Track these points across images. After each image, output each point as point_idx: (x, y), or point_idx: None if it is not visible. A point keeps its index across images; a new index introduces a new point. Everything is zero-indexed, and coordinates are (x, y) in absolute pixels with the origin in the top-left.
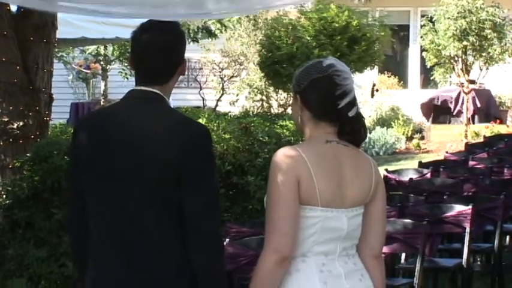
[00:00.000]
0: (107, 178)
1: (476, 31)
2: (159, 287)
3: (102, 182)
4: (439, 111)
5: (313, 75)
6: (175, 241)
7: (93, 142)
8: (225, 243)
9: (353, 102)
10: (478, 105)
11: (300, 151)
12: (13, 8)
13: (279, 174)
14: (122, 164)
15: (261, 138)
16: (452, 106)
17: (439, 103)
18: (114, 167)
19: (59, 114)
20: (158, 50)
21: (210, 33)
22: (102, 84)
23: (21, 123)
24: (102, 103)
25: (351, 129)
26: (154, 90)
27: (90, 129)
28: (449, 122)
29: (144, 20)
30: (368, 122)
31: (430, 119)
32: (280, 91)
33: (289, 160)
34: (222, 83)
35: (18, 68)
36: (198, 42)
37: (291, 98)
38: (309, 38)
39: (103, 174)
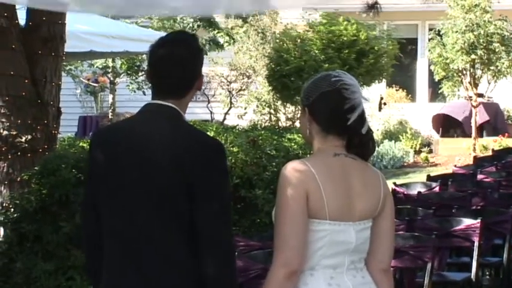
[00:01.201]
0: (119, 191)
1: (484, 44)
2: None
3: (115, 195)
4: (448, 125)
5: (322, 88)
6: (185, 252)
7: (106, 156)
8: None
9: (363, 117)
10: (486, 118)
11: (308, 165)
12: (21, 21)
13: (288, 189)
14: (133, 178)
15: (269, 152)
16: (461, 120)
17: (448, 116)
18: (126, 181)
19: (67, 128)
20: (174, 64)
21: (217, 45)
22: (110, 97)
23: (29, 137)
24: (110, 116)
25: (360, 142)
26: (170, 105)
27: (104, 144)
28: (458, 136)
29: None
30: (376, 135)
31: (440, 133)
32: (288, 104)
33: (298, 174)
34: (230, 96)
35: (26, 81)
36: (206, 54)
37: (299, 111)
38: (317, 51)
39: (115, 188)
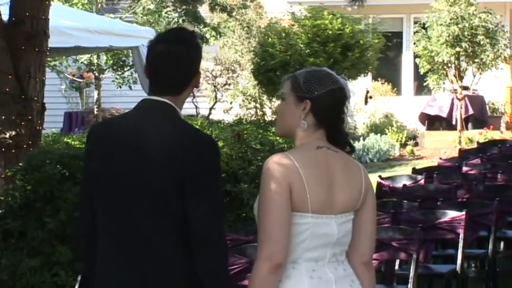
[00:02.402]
0: (113, 187)
1: (469, 37)
2: None
3: (109, 191)
4: (433, 118)
5: (328, 85)
6: (178, 249)
7: (100, 152)
8: None
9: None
10: (471, 111)
11: (292, 158)
12: (4, 17)
13: (271, 182)
14: (127, 174)
15: (254, 146)
16: (445, 113)
17: (433, 111)
18: (120, 177)
19: (53, 124)
20: (170, 61)
21: (203, 40)
22: (96, 93)
23: (13, 133)
24: (95, 112)
25: (340, 132)
26: (165, 101)
27: (99, 140)
28: (443, 129)
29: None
30: (362, 129)
31: (425, 126)
32: (274, 99)
33: (282, 168)
34: (216, 91)
35: (10, 77)
36: None
37: (284, 102)
38: (302, 46)
39: (109, 184)
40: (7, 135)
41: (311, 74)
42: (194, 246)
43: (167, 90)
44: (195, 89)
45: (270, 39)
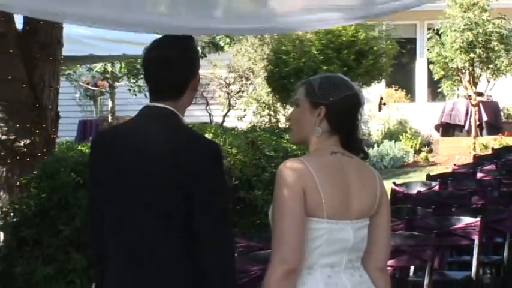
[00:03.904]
0: (119, 194)
1: (483, 43)
2: None
3: (114, 197)
4: (448, 125)
5: (343, 91)
6: (182, 252)
7: (105, 159)
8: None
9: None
10: (485, 118)
11: (306, 163)
12: (19, 25)
13: (285, 187)
14: (131, 180)
15: (267, 153)
16: (460, 119)
17: (448, 118)
18: (125, 183)
19: (67, 132)
20: (163, 66)
21: (217, 48)
22: (110, 101)
23: (27, 141)
24: (109, 120)
25: (354, 138)
26: (167, 106)
27: (103, 147)
28: (459, 135)
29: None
30: (376, 135)
31: (440, 132)
32: (288, 106)
33: (295, 173)
34: (229, 98)
35: (24, 85)
36: (206, 56)
37: (298, 109)
38: (315, 52)
39: (115, 190)
40: (21, 144)
41: (326, 80)
42: (200, 249)
43: (165, 96)
44: (208, 97)
45: (283, 46)
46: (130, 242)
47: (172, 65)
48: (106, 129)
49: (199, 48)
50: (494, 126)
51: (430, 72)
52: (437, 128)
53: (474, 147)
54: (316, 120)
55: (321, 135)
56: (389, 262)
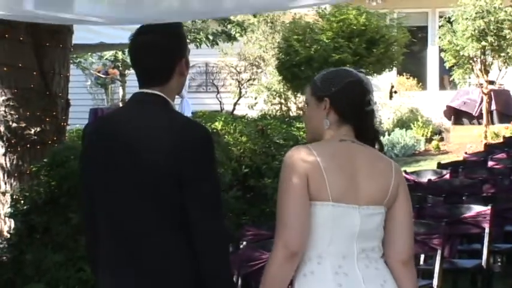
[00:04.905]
0: (112, 184)
1: (494, 31)
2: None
3: (108, 188)
4: (459, 112)
5: (346, 79)
6: (181, 244)
7: (97, 149)
8: (242, 246)
9: (375, 107)
10: (496, 106)
11: (311, 148)
12: None
13: (288, 172)
14: (125, 169)
15: (277, 141)
16: (474, 107)
17: (459, 105)
18: (118, 173)
19: (78, 120)
20: (147, 51)
21: (230, 37)
22: (121, 89)
23: (38, 129)
24: None
25: (367, 127)
26: (156, 92)
27: (94, 136)
28: (470, 123)
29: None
30: (387, 124)
31: (452, 120)
32: (299, 94)
33: (299, 158)
34: (240, 86)
35: (34, 73)
36: (217, 45)
37: (308, 106)
38: (327, 41)
39: (108, 181)
40: (32, 131)
41: (327, 73)
42: (194, 239)
43: (152, 81)
44: (219, 85)
45: (294, 34)
46: (128, 237)
47: (157, 50)
48: (96, 120)
49: (210, 37)
50: (505, 114)
51: (441, 61)
52: (447, 113)
53: (485, 135)
54: (324, 113)
55: (331, 127)
56: None
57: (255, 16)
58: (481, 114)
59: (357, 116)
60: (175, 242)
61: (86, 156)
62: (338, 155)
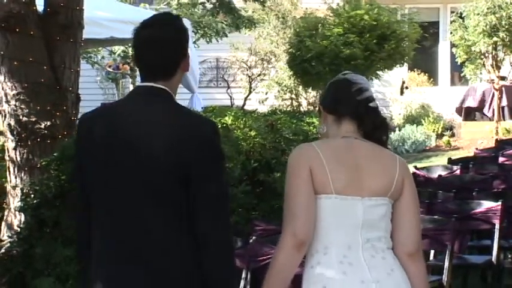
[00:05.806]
0: (113, 179)
1: (506, 27)
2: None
3: (108, 184)
4: (470, 108)
5: (331, 81)
6: (182, 240)
7: (94, 141)
8: (251, 241)
9: (371, 97)
10: (507, 102)
11: (313, 145)
12: (39, 8)
13: (293, 167)
14: (122, 165)
15: (287, 136)
16: (485, 103)
17: (470, 102)
18: (119, 168)
19: None
20: (152, 46)
21: (237, 27)
22: (131, 84)
23: (48, 123)
24: None
25: (372, 123)
26: (160, 86)
27: (92, 128)
28: (482, 119)
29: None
30: (398, 119)
31: (462, 116)
32: (310, 89)
33: (303, 153)
34: (250, 81)
35: (45, 67)
36: (227, 37)
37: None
38: (338, 36)
39: (108, 176)
40: (42, 126)
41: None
42: (198, 240)
43: (156, 76)
44: (229, 80)
45: (305, 30)
46: (129, 233)
47: (162, 46)
48: (93, 112)
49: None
50: None
51: (452, 56)
52: (458, 111)
53: (497, 131)
54: (322, 120)
55: (332, 127)
56: None
57: (263, 7)
58: (492, 110)
59: (348, 108)
60: (175, 239)
61: (82, 152)
62: (340, 149)
